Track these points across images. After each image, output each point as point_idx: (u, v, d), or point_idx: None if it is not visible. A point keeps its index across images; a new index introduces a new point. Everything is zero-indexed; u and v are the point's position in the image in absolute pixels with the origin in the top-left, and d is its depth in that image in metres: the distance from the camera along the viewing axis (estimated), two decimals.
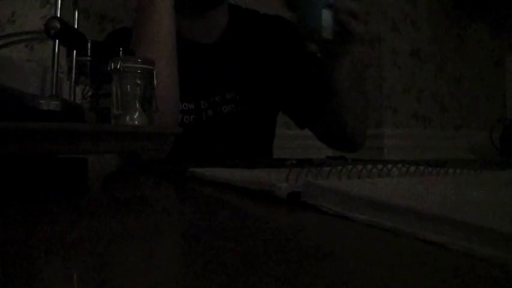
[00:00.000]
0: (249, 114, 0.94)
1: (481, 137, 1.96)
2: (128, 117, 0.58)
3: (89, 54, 0.62)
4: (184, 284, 0.16)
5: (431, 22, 2.03)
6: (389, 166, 0.37)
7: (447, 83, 2.06)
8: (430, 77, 2.01)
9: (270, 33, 0.99)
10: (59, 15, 0.45)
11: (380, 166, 0.36)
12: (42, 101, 0.42)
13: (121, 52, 0.62)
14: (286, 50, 0.99)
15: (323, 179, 0.33)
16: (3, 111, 0.38)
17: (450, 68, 2.07)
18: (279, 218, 0.30)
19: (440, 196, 0.29)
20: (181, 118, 0.89)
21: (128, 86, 0.58)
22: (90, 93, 0.63)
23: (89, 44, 0.62)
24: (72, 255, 0.19)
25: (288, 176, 0.33)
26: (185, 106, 0.90)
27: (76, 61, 0.53)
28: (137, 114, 0.58)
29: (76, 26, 0.52)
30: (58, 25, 0.44)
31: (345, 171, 0.34)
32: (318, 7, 0.70)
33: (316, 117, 0.99)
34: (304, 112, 1.01)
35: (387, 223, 0.23)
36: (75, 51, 0.53)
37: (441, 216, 0.21)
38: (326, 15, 0.69)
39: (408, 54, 1.96)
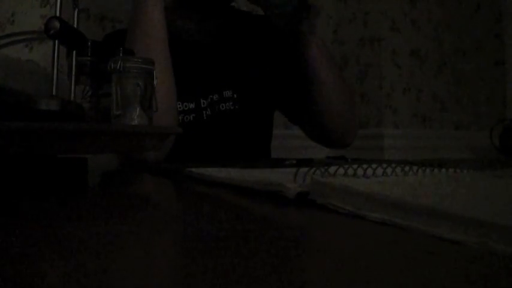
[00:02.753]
0: (246, 112, 0.95)
1: (481, 137, 1.96)
2: (127, 117, 0.58)
3: (89, 54, 0.62)
4: (186, 285, 0.16)
5: (432, 22, 2.03)
6: (393, 165, 0.37)
7: (447, 83, 2.06)
8: (430, 77, 2.01)
9: (262, 32, 1.02)
10: (59, 15, 0.45)
11: (385, 165, 0.36)
12: (42, 101, 0.42)
13: (121, 52, 0.62)
14: (276, 47, 1.01)
15: (330, 178, 0.33)
16: (3, 111, 0.38)
17: (450, 68, 2.07)
18: (286, 217, 0.30)
19: (450, 194, 0.29)
20: (181, 118, 0.89)
21: (128, 86, 0.58)
22: (90, 93, 0.63)
23: (89, 44, 0.62)
24: (72, 255, 0.19)
25: (295, 176, 0.33)
26: (185, 106, 0.91)
27: (76, 61, 0.53)
28: (137, 114, 0.58)
29: (76, 26, 0.52)
30: (58, 25, 0.44)
31: (351, 170, 0.34)
32: None
33: (302, 112, 1.00)
34: (293, 107, 1.02)
35: (401, 221, 0.23)
36: (75, 51, 0.53)
37: (457, 214, 0.21)
38: None
39: (408, 54, 1.96)
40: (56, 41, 0.45)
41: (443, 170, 0.38)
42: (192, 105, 0.92)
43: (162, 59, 0.78)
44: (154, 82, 0.59)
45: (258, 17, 1.05)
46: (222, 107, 0.94)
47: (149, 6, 0.79)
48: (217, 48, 0.97)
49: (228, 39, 0.98)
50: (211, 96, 0.93)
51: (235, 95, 0.94)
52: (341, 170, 0.34)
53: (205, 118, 0.92)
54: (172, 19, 0.88)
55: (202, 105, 0.93)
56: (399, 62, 1.93)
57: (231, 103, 0.94)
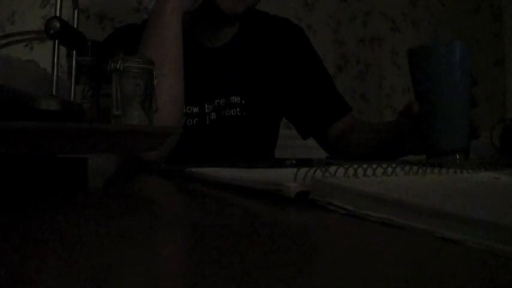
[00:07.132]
0: (253, 118, 0.94)
1: (481, 137, 1.96)
2: (128, 117, 0.58)
3: (89, 54, 0.62)
4: (187, 285, 0.16)
5: (431, 22, 2.03)
6: (394, 165, 0.37)
7: None
8: None
9: (278, 37, 1.00)
10: (59, 15, 0.45)
11: (385, 165, 0.36)
12: (42, 101, 0.42)
13: (121, 52, 0.62)
14: (293, 55, 1.00)
15: (330, 178, 0.33)
16: (3, 111, 0.38)
17: None
18: (287, 217, 0.30)
19: (450, 194, 0.29)
20: (184, 121, 0.89)
21: (128, 86, 0.58)
22: (90, 93, 0.63)
23: (89, 44, 0.62)
24: (72, 255, 0.19)
25: (296, 175, 0.33)
26: (189, 109, 0.90)
27: (76, 61, 0.53)
28: (137, 114, 0.58)
29: (76, 26, 0.52)
30: (58, 25, 0.44)
31: (351, 170, 0.34)
32: (463, 126, 0.73)
33: (324, 130, 0.99)
34: (308, 122, 1.01)
35: (401, 221, 0.23)
36: (75, 51, 0.53)
37: (458, 214, 0.21)
38: (465, 130, 0.72)
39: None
40: (56, 41, 0.45)
41: (444, 170, 0.38)
42: (196, 109, 0.92)
43: (175, 63, 0.77)
44: (155, 82, 0.59)
45: (274, 19, 1.03)
46: (228, 112, 0.93)
47: (168, 9, 0.77)
48: (229, 54, 0.96)
49: (240, 45, 0.97)
50: (217, 100, 0.93)
51: (243, 101, 0.93)
52: (341, 170, 0.34)
53: (208, 123, 0.92)
54: (188, 24, 0.88)
55: (207, 110, 0.92)
56: (399, 62, 1.93)
57: (238, 109, 0.93)
